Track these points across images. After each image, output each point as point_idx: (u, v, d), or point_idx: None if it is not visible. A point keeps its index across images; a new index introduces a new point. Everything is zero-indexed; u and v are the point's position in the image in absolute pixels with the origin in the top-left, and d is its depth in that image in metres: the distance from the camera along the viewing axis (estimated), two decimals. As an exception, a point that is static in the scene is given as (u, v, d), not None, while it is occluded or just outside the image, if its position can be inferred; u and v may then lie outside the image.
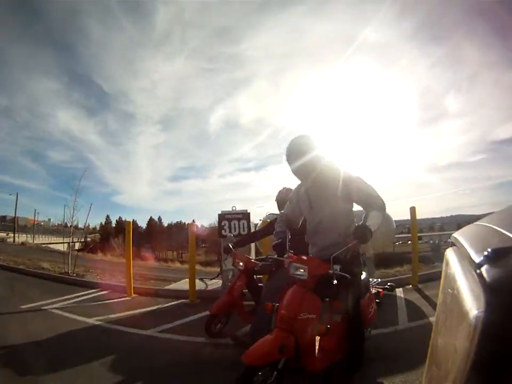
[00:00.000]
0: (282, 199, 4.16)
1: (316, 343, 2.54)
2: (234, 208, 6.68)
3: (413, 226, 7.47)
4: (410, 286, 6.72)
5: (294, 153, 2.81)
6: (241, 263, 4.28)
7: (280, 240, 2.98)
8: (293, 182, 3.12)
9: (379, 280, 3.81)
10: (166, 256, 66.03)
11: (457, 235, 1.66)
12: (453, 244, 1.85)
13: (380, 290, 3.63)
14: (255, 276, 4.60)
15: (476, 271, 0.97)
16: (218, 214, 6.71)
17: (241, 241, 5.01)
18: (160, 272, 13.39)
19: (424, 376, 1.93)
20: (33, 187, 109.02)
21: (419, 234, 23.43)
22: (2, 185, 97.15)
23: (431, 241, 65.26)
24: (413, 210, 7.05)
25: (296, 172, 2.87)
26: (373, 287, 3.54)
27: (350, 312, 2.71)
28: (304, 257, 2.65)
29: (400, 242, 44.60)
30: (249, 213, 6.61)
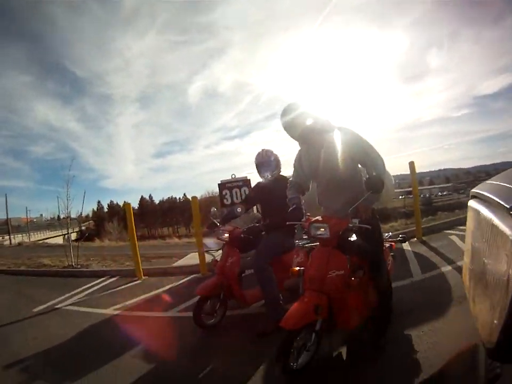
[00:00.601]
0: (261, 161, 4.00)
1: (348, 300, 2.54)
2: (233, 176, 6.63)
3: (413, 181, 7.51)
4: (416, 239, 6.86)
5: (293, 108, 2.78)
6: (225, 234, 3.94)
7: (295, 206, 2.95)
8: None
9: (390, 233, 3.84)
10: (162, 232, 66.19)
11: (478, 189, 2.13)
12: (473, 197, 2.12)
13: (392, 243, 3.67)
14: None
15: (509, 213, 1.42)
16: (218, 184, 6.67)
17: (228, 214, 4.35)
18: (160, 249, 13.28)
19: (471, 308, 2.04)
20: (20, 185, 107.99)
21: (409, 189, 23.67)
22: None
23: (421, 195, 66.15)
24: (412, 165, 7.06)
25: (295, 128, 2.81)
26: (385, 240, 3.57)
27: (375, 262, 2.74)
28: (321, 216, 2.66)
29: (393, 198, 44.86)
30: (249, 179, 6.57)
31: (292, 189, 3.10)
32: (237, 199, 6.52)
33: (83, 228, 54.45)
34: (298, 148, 3.07)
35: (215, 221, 4.12)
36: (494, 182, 1.98)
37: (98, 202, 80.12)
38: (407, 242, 6.47)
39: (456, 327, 2.96)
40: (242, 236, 3.96)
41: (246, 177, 6.59)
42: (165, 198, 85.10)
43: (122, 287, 6.49)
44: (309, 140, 2.83)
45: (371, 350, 2.78)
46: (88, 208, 76.39)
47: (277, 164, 4.03)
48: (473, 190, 2.27)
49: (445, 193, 77.79)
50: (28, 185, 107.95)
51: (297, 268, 2.66)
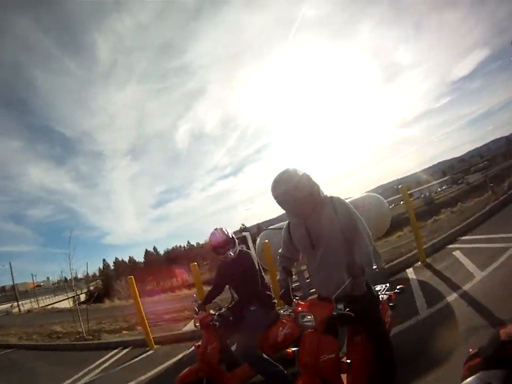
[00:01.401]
0: (219, 241, 3.77)
1: (343, 379, 2.55)
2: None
3: (409, 206, 7.47)
4: (420, 263, 6.74)
5: (284, 182, 2.62)
6: (197, 323, 3.78)
7: (283, 290, 2.95)
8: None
9: (387, 285, 3.75)
10: (171, 283, 65.56)
11: None
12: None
13: (392, 294, 3.62)
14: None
15: None
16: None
17: (208, 296, 4.12)
18: (171, 304, 13.25)
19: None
20: (24, 250, 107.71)
21: (408, 192, 23.33)
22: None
23: (422, 195, 65.89)
24: (404, 190, 7.09)
25: (288, 203, 2.68)
26: (384, 294, 3.53)
27: (376, 340, 2.73)
28: (307, 303, 2.69)
29: (394, 205, 44.79)
30: (245, 236, 6.56)
31: (281, 265, 3.05)
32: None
33: (91, 288, 54.25)
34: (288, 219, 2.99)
35: (195, 308, 3.97)
36: None
37: (104, 260, 79.25)
38: (411, 268, 6.47)
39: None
40: (214, 322, 3.60)
41: (242, 234, 6.57)
42: (170, 247, 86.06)
43: (135, 360, 6.40)
44: (301, 214, 2.72)
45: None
46: (94, 267, 75.78)
47: (233, 240, 3.88)
48: None
49: (444, 187, 77.54)
50: (31, 249, 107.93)
51: (292, 349, 2.70)
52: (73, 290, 11.26)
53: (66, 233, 10.18)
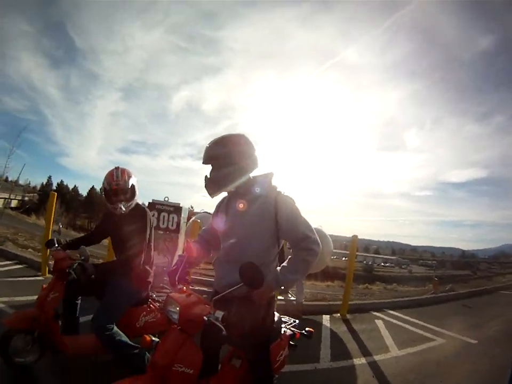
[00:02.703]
0: (113, 186, 3.06)
1: None
2: (166, 199, 6.10)
3: (351, 256, 7.15)
4: (339, 315, 6.40)
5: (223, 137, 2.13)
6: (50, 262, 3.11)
7: (174, 267, 2.30)
8: None
9: (296, 321, 3.17)
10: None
11: None
12: None
13: (297, 332, 3.05)
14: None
15: None
16: (149, 203, 6.10)
17: (78, 240, 3.39)
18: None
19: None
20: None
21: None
22: None
23: (364, 262, 67.64)
24: (354, 239, 6.75)
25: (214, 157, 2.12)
26: (289, 328, 2.97)
27: (256, 370, 2.18)
28: (189, 294, 2.07)
29: (335, 257, 45.20)
30: (181, 207, 6.10)
31: (196, 244, 2.39)
32: (163, 224, 6.03)
33: (26, 198, 51.88)
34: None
35: (55, 239, 3.21)
36: None
37: (49, 177, 75.37)
38: (328, 316, 6.15)
39: None
40: (70, 270, 2.85)
41: (179, 204, 6.15)
42: None
43: (22, 279, 6.03)
44: (221, 182, 2.13)
45: None
46: (39, 180, 72.44)
47: (133, 191, 3.14)
48: None
49: (387, 264, 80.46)
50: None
51: (151, 338, 2.05)
52: (10, 193, 10.43)
53: (28, 135, 9.44)
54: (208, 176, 2.13)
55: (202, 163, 2.15)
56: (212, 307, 1.92)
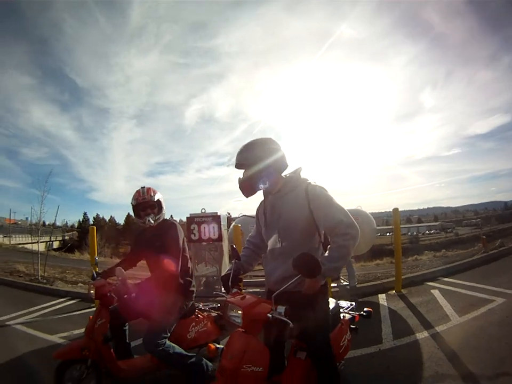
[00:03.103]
0: (140, 201, 3.22)
1: None
2: (203, 211, 6.21)
3: (396, 230, 7.05)
4: (394, 291, 6.38)
5: (252, 142, 2.26)
6: (91, 291, 3.24)
7: (225, 273, 2.40)
8: None
9: (354, 304, 3.20)
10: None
11: None
12: None
13: (356, 315, 3.08)
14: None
15: None
16: (187, 217, 6.25)
17: (113, 267, 3.38)
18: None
19: None
20: (9, 185, 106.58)
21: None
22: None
23: (409, 233, 66.36)
24: (396, 212, 6.64)
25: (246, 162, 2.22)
26: (347, 312, 3.00)
27: (316, 359, 2.22)
28: (246, 296, 2.14)
29: (379, 234, 44.39)
30: (219, 215, 6.19)
31: (245, 250, 2.53)
32: (205, 235, 6.14)
33: (66, 237, 53.58)
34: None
35: (94, 272, 3.30)
36: None
37: (85, 214, 77.71)
38: (384, 295, 6.11)
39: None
40: (111, 294, 3.05)
41: (217, 213, 6.24)
42: None
43: (77, 313, 6.15)
44: (254, 183, 2.23)
45: None
46: (75, 218, 75.01)
47: (159, 205, 3.28)
48: None
49: (432, 231, 78.33)
50: (16, 186, 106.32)
51: (216, 346, 2.15)
52: (38, 234, 10.74)
53: (54, 179, 9.90)
54: (242, 178, 2.25)
55: (235, 167, 2.26)
56: (272, 304, 1.96)
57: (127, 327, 3.30)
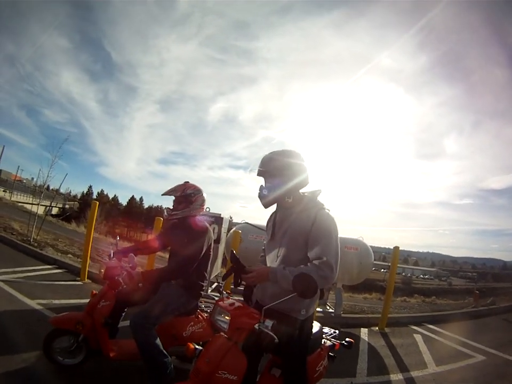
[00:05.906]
0: (175, 191, 3.24)
1: None
2: (208, 210, 6.13)
3: (393, 268, 7.04)
4: (377, 328, 6.36)
5: (278, 151, 2.24)
6: (102, 270, 3.23)
7: (228, 272, 2.39)
8: None
9: (336, 332, 3.21)
10: (140, 237, 64.77)
11: None
12: None
13: (337, 343, 3.09)
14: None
15: None
16: (190, 213, 6.22)
17: (133, 247, 3.52)
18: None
19: None
20: (23, 142, 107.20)
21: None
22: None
23: (403, 273, 65.97)
24: (396, 251, 6.65)
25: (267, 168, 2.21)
26: (329, 339, 3.02)
27: (290, 379, 2.24)
28: (236, 302, 2.16)
29: (374, 268, 43.99)
30: (222, 218, 6.20)
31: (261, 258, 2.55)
32: None
33: (66, 206, 53.86)
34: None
35: (111, 250, 3.31)
36: None
37: (90, 187, 78.21)
38: (366, 330, 6.13)
39: None
40: (120, 278, 2.96)
41: (220, 215, 6.26)
42: (155, 205, 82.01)
43: (60, 282, 6.16)
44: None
45: None
46: (80, 189, 75.39)
47: (189, 200, 3.22)
48: None
49: (427, 276, 77.91)
50: (30, 145, 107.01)
51: (195, 346, 2.16)
52: (51, 201, 10.81)
53: (68, 146, 10.00)
54: (264, 186, 2.25)
55: (257, 174, 2.27)
56: (261, 316, 1.97)
57: (124, 313, 3.33)
